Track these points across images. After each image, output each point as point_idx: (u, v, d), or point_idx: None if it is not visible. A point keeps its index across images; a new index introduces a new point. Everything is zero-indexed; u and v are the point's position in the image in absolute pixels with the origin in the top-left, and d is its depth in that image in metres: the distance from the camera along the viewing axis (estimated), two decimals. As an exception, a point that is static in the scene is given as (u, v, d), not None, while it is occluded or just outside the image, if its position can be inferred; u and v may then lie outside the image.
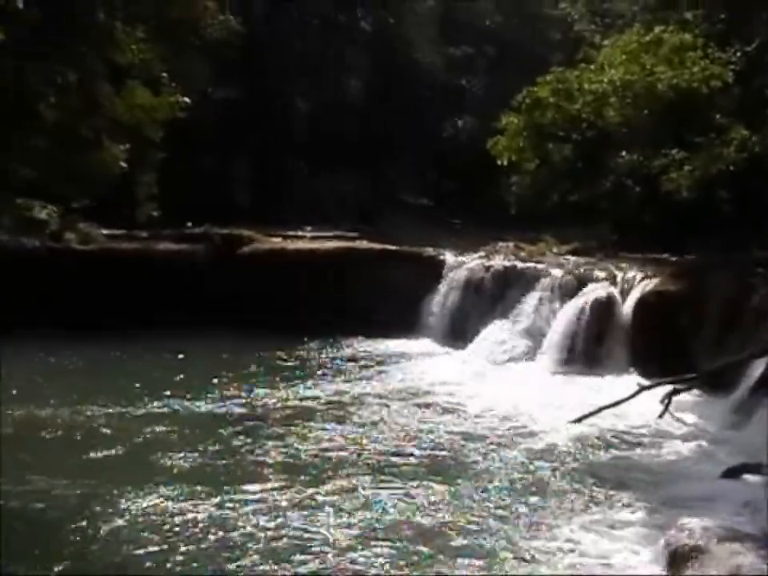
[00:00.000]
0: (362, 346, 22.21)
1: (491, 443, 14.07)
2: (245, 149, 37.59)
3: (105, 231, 25.31)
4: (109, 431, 14.23)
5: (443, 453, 13.63)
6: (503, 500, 11.56)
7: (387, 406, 16.36)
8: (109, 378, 18.15)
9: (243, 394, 16.93)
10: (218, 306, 22.93)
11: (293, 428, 14.71)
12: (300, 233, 27.41)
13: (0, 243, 22.86)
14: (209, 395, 16.72)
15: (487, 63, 45.95)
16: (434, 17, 44.47)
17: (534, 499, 11.61)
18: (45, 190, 21.33)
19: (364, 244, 25.41)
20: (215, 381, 17.87)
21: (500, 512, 11.14)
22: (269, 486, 11.84)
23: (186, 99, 13.94)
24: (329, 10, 41.14)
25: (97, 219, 25.24)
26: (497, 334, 21.06)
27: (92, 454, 13.02)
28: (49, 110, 14.50)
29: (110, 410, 15.38)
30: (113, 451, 13.18)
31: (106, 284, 23.05)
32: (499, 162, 25.59)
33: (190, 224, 25.95)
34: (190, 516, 10.70)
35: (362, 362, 20.37)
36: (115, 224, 25.80)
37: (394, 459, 13.19)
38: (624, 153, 24.23)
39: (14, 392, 16.28)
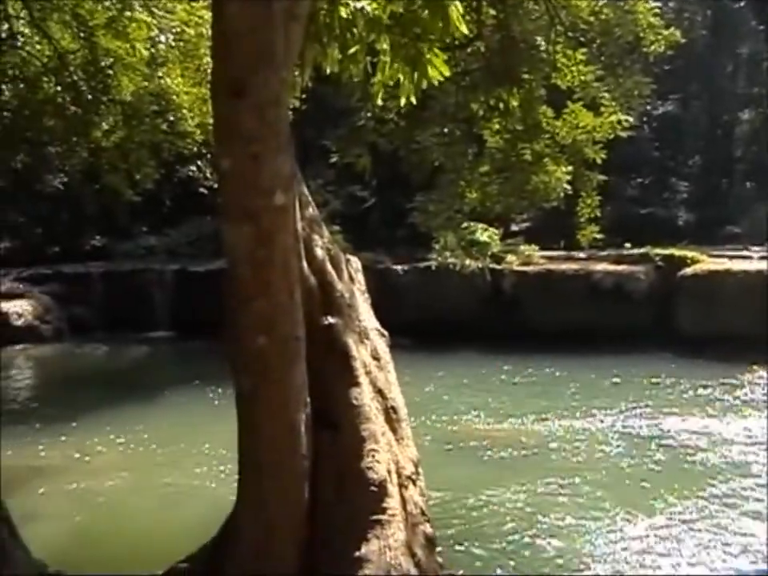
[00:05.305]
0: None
1: None
2: (684, 165, 36.47)
3: (543, 253, 25.74)
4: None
5: None
6: None
7: None
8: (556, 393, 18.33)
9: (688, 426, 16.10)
10: (659, 329, 22.36)
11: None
12: (746, 253, 25.87)
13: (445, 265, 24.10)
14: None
15: None
16: None
17: None
18: (487, 213, 22.04)
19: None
20: (654, 406, 17.25)
21: None
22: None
23: (629, 118, 13.48)
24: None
25: (536, 241, 25.84)
26: None
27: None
28: (492, 136, 14.79)
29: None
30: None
31: (542, 304, 23.81)
32: None
33: (628, 245, 25.53)
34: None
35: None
36: (553, 246, 26.24)
37: None
38: None
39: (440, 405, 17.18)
